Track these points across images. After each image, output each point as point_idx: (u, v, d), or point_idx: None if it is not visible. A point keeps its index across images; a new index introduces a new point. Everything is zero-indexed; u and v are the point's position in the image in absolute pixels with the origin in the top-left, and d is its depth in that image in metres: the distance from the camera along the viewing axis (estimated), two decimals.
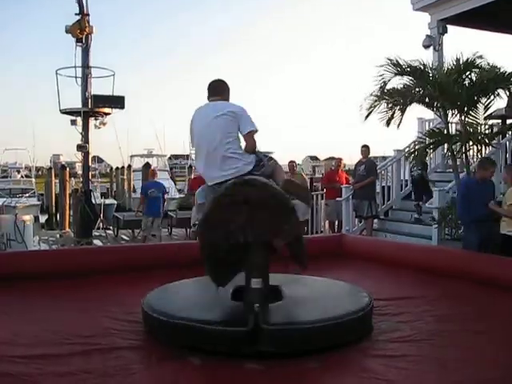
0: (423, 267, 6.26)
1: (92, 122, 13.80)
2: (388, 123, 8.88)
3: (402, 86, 8.75)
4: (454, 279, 5.82)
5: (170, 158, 41.13)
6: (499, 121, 11.74)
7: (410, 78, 8.64)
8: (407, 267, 6.37)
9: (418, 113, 12.31)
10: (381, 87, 8.72)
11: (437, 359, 3.70)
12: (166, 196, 12.84)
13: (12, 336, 4.02)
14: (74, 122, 13.61)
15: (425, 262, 6.37)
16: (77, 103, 13.62)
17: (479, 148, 9.58)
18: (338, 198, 11.72)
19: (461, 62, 8.47)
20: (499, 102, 9.16)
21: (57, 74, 13.50)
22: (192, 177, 12.00)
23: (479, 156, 9.88)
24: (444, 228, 9.17)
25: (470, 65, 8.45)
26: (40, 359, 3.58)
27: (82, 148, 13.42)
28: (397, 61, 8.54)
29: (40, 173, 43.10)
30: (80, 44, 13.38)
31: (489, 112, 9.20)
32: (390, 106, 8.81)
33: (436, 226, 9.20)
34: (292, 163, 12.04)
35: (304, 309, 4.14)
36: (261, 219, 3.79)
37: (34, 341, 3.95)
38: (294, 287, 4.47)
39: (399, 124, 8.93)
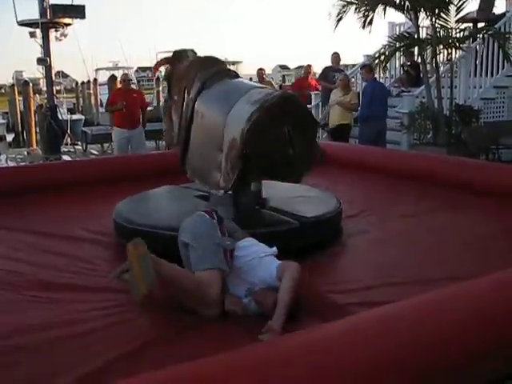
0: (397, 173, 6.28)
1: (52, 34, 13.23)
2: (364, 26, 8.78)
3: None
4: (428, 183, 5.85)
5: (136, 70, 40.02)
6: (470, 24, 11.59)
7: None
8: (380, 173, 6.41)
9: (389, 18, 12.05)
10: None
11: (403, 259, 3.83)
12: None
13: None
14: (33, 35, 13.07)
15: (398, 167, 6.40)
16: (35, 14, 12.99)
17: (449, 52, 9.48)
18: (307, 105, 11.64)
19: None
20: (471, 5, 9.02)
21: None
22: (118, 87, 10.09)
23: (449, 60, 9.81)
24: (413, 133, 9.25)
25: None
26: (23, 268, 3.64)
27: (43, 61, 12.93)
28: None
29: (3, 91, 41.64)
30: None
31: (460, 15, 9.08)
32: (360, 9, 8.62)
33: (405, 131, 9.26)
34: (261, 71, 11.81)
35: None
36: (297, 134, 3.94)
37: (10, 253, 3.98)
38: (268, 191, 4.50)
39: (365, 25, 8.82)
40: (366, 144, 8.16)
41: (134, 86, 26.03)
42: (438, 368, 2.07)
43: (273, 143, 3.88)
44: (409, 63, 11.68)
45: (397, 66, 12.29)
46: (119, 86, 9.26)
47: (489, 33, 9.44)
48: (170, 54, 4.81)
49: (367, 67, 9.33)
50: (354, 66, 13.60)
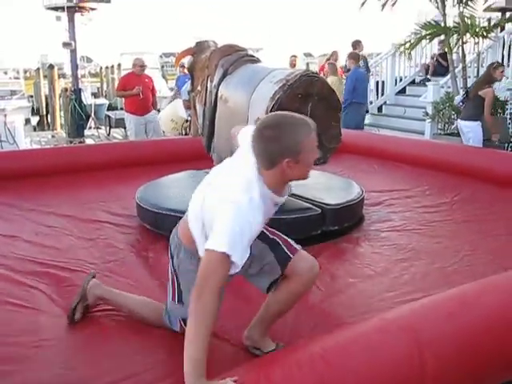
0: (418, 161, 6.23)
1: (78, 18, 13.33)
2: (383, 7, 8.80)
3: None
4: (449, 173, 5.79)
5: (160, 56, 40.08)
6: (499, 13, 11.40)
7: None
8: (402, 161, 6.36)
9: (417, 6, 11.95)
10: None
11: (426, 248, 3.82)
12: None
13: (12, 234, 4.10)
14: (59, 19, 13.19)
15: (420, 156, 6.35)
16: None
17: (476, 41, 9.34)
18: None
19: None
20: None
21: None
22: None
23: (476, 49, 9.66)
24: (437, 123, 9.15)
25: None
26: (40, 254, 3.68)
27: (68, 45, 13.04)
28: None
29: (28, 74, 42.02)
30: None
31: (488, 3, 8.95)
32: None
33: (429, 120, 9.17)
34: (294, 58, 11.78)
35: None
36: (319, 112, 3.86)
37: (32, 237, 4.03)
38: None
39: (384, 7, 8.83)
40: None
41: (157, 72, 26.17)
42: None
43: None
44: (440, 52, 11.55)
45: (422, 54, 12.14)
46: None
47: None
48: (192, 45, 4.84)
49: (351, 55, 9.29)
50: (378, 54, 13.46)
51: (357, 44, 10.76)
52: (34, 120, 22.68)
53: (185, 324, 2.17)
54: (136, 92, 8.36)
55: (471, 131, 7.00)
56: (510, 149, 8.28)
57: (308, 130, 1.98)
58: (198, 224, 2.12)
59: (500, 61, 10.26)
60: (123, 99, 9.20)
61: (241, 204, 1.90)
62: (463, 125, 7.19)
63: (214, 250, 1.86)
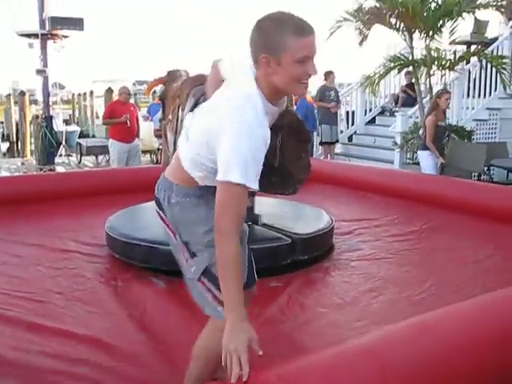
0: (387, 191, 6.31)
1: (51, 45, 13.32)
2: (361, 43, 9.01)
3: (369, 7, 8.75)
4: (418, 202, 5.86)
5: (134, 83, 40.13)
6: (464, 47, 11.74)
7: None
8: (374, 191, 6.42)
9: (387, 38, 12.24)
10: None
11: (394, 277, 3.87)
12: None
13: None
14: (31, 46, 13.15)
15: (389, 185, 6.43)
16: (34, 26, 13.07)
17: (443, 73, 9.59)
18: None
19: None
20: (465, 28, 9.18)
21: None
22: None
23: (443, 81, 9.91)
24: (406, 152, 9.33)
25: None
26: (6, 284, 3.62)
27: (42, 72, 13.00)
28: None
29: None
30: None
31: (454, 37, 9.22)
32: (356, 25, 8.86)
33: (398, 150, 9.34)
34: None
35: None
36: (290, 144, 3.83)
37: None
38: (260, 208, 4.52)
39: (362, 42, 9.02)
40: None
41: (131, 100, 26.17)
42: None
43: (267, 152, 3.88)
44: (407, 83, 11.85)
45: (391, 85, 12.42)
46: (116, 98, 8.90)
47: (487, 57, 9.52)
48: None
49: None
50: (349, 84, 13.69)
51: (329, 74, 10.96)
52: (4, 146, 22.43)
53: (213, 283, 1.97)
54: (123, 120, 8.34)
55: (423, 160, 7.24)
56: (476, 178, 8.49)
57: (300, 31, 1.72)
58: (195, 148, 1.94)
59: (466, 93, 10.57)
60: (101, 125, 9.25)
61: (247, 121, 1.73)
62: (418, 154, 7.52)
63: (225, 181, 1.71)
